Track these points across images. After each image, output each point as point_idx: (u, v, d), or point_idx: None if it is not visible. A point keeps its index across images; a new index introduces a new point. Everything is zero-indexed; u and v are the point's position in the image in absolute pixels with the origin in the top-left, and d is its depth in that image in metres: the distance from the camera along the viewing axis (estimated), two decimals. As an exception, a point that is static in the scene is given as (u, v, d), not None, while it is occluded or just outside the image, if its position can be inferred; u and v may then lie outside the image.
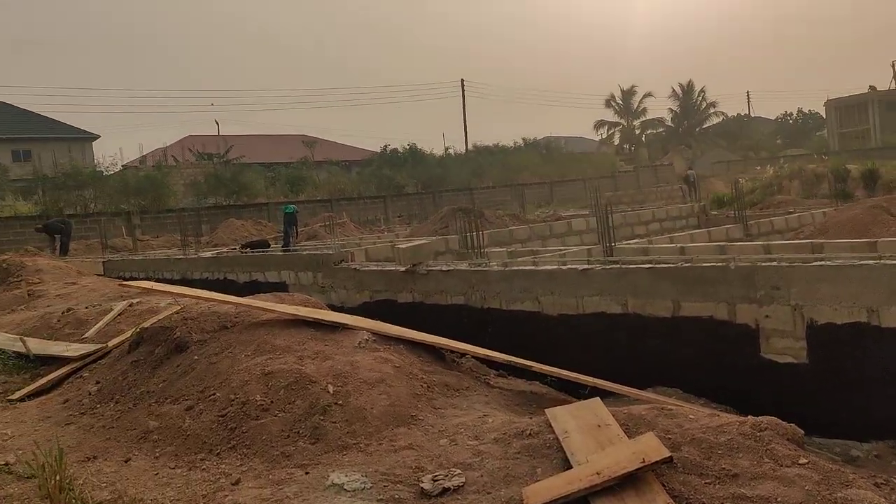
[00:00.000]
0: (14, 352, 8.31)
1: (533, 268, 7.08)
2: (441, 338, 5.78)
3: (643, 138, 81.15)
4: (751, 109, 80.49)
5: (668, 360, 5.89)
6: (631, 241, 9.59)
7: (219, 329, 6.49)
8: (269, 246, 15.35)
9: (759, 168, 31.79)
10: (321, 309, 7.12)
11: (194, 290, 7.01)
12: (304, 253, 10.71)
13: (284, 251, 14.70)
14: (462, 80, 50.78)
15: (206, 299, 6.82)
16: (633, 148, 79.58)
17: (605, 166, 55.47)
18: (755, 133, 76.12)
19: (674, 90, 76.49)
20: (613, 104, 79.10)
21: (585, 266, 6.50)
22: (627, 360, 6.16)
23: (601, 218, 9.07)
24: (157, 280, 14.50)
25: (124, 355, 6.94)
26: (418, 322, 7.74)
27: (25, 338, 8.37)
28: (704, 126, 77.01)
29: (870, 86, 70.68)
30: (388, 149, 50.17)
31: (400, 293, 8.90)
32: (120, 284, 7.34)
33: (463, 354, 5.82)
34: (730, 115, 78.46)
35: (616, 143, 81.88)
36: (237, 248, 15.51)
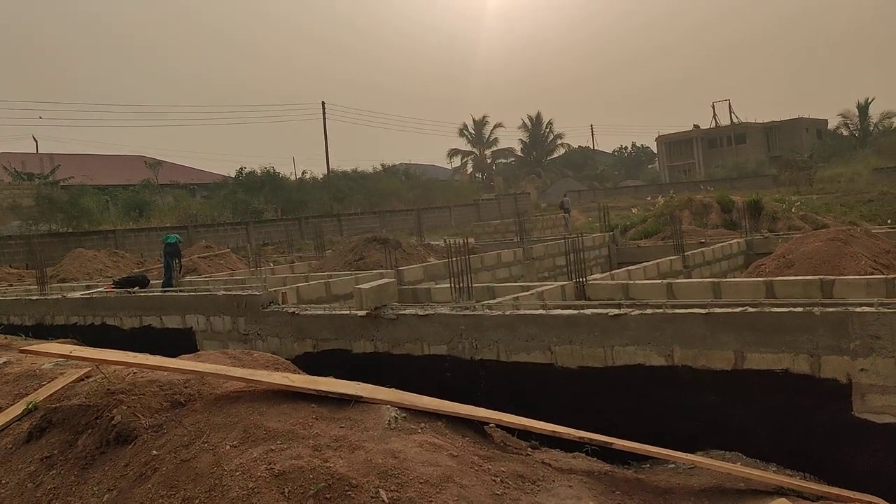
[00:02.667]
0: None
1: (544, 312, 6.17)
2: (490, 411, 4.68)
3: (494, 167, 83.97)
4: (595, 142, 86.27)
5: (725, 419, 5.22)
6: (597, 277, 9.00)
7: (170, 407, 4.90)
8: (148, 282, 13.09)
9: (649, 198, 33.49)
10: (297, 373, 5.70)
11: (127, 353, 5.30)
12: (220, 293, 8.99)
13: (164, 290, 12.61)
14: (323, 103, 49.23)
15: (146, 366, 5.15)
16: (484, 176, 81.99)
17: (467, 194, 56.29)
18: (599, 164, 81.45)
19: (523, 122, 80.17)
20: (466, 133, 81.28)
21: (617, 312, 5.71)
22: (672, 421, 5.42)
23: (567, 251, 8.39)
24: (2, 327, 11.82)
25: (20, 446, 5.07)
26: (382, 377, 6.51)
27: None
28: (552, 156, 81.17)
29: (694, 124, 78.52)
30: (243, 171, 47.13)
31: (356, 342, 7.60)
32: (22, 351, 5.37)
33: (512, 430, 4.73)
34: (574, 147, 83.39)
35: (469, 171, 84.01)
36: (105, 287, 13.09)
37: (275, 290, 8.62)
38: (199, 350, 9.24)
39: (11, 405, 6.16)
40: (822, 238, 8.91)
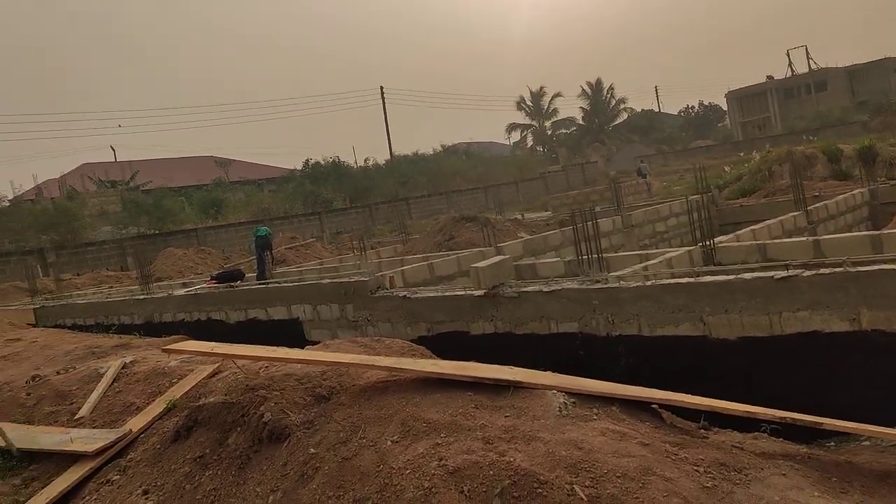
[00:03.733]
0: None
1: (693, 280, 5.66)
2: (665, 392, 4.23)
3: (555, 138, 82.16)
4: (660, 104, 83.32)
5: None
6: (723, 239, 8.34)
7: (314, 402, 4.67)
8: (243, 276, 13.17)
9: (742, 154, 31.86)
10: (433, 358, 5.41)
11: (262, 347, 5.11)
12: (325, 282, 8.82)
13: (261, 282, 12.64)
14: (382, 88, 49.09)
15: (288, 360, 4.93)
16: (545, 149, 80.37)
17: (531, 168, 55.27)
18: (665, 127, 78.66)
19: (583, 89, 77.90)
20: (524, 106, 79.65)
21: (785, 273, 5.14)
22: (860, 391, 4.84)
23: (700, 213, 7.78)
24: (115, 327, 12.10)
25: (168, 446, 4.96)
26: (503, 358, 6.16)
27: (1, 425, 6.10)
28: (615, 123, 78.79)
29: (767, 75, 74.56)
30: (309, 163, 47.68)
31: (474, 323, 7.26)
32: (165, 350, 5.26)
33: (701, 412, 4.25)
34: (638, 111, 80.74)
35: (530, 144, 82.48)
36: (206, 283, 13.24)
37: (381, 275, 8.36)
38: (307, 339, 9.16)
39: (149, 404, 6.13)
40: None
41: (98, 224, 33.16)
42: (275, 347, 5.12)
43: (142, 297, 12.22)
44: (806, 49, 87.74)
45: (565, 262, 8.89)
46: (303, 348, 5.75)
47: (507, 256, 7.22)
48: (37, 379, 7.81)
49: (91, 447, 5.26)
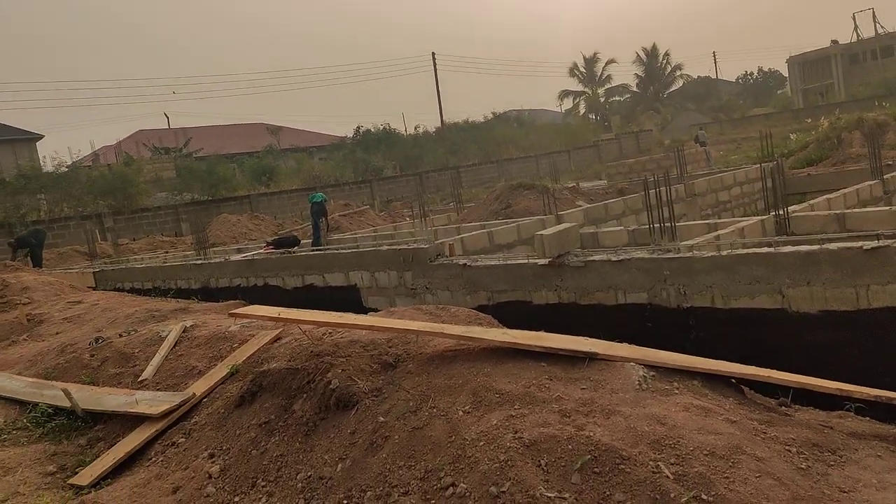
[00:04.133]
0: (49, 405, 6.23)
1: (772, 251, 5.35)
2: (748, 366, 4.00)
3: (607, 106, 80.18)
4: (718, 70, 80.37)
5: None
6: (797, 209, 7.92)
7: (381, 369, 4.59)
8: (298, 242, 13.25)
9: (809, 120, 30.55)
10: (499, 328, 5.27)
11: (329, 313, 5.05)
12: (384, 248, 8.75)
13: (315, 248, 12.68)
14: (433, 54, 48.48)
15: (356, 326, 4.86)
16: (598, 117, 78.57)
17: (584, 136, 54.17)
18: (722, 94, 76.00)
19: (638, 55, 75.64)
20: (577, 73, 77.84)
21: (875, 244, 4.80)
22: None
23: (774, 181, 7.38)
24: (173, 291, 12.34)
25: (233, 410, 4.97)
26: (566, 329, 5.97)
27: (67, 386, 6.26)
28: (671, 90, 76.46)
29: (832, 40, 70.99)
30: (360, 130, 47.71)
31: (536, 292, 7.09)
32: (231, 314, 5.27)
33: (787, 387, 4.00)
34: (694, 77, 78.11)
35: (582, 112, 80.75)
36: (263, 249, 13.37)
37: (440, 243, 8.24)
38: (365, 306, 9.14)
39: (211, 367, 6.18)
40: None
41: (153, 190, 33.96)
42: (340, 313, 5.04)
43: (199, 262, 12.42)
44: (873, 12, 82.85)
45: (629, 231, 8.61)
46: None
47: (572, 224, 6.98)
48: (100, 341, 8.00)
49: (156, 409, 5.32)
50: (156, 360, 6.74)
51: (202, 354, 6.60)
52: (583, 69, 77.18)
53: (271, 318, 4.83)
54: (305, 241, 13.62)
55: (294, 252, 10.76)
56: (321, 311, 5.23)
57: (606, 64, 75.38)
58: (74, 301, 11.24)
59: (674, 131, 60.72)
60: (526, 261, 7.13)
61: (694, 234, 8.39)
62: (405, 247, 8.42)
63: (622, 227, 8.80)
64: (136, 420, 5.46)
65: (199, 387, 5.64)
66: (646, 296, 6.21)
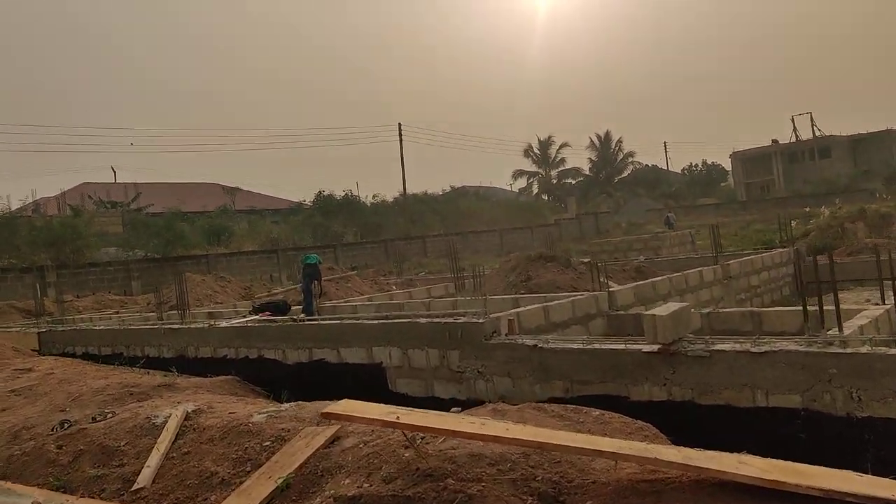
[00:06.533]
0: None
1: None
2: None
3: (560, 188, 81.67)
4: (668, 160, 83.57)
5: None
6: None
7: (541, 504, 3.17)
8: (289, 308, 11.68)
9: (807, 209, 30.97)
10: (662, 441, 3.94)
11: (467, 419, 3.62)
12: (422, 321, 7.36)
13: (307, 315, 11.14)
14: (399, 125, 48.26)
15: (470, 435, 3.44)
16: (550, 198, 79.81)
17: (543, 215, 54.44)
18: (673, 182, 78.64)
19: (592, 140, 78.01)
20: (531, 154, 79.51)
21: None
22: None
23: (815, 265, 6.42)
24: (139, 359, 10.51)
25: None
26: (677, 435, 4.73)
27: (38, 499, 4.51)
28: (622, 175, 78.71)
29: (772, 139, 74.84)
30: (322, 195, 46.47)
31: (636, 386, 5.81)
32: (326, 415, 3.73)
33: None
34: (645, 165, 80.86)
35: (535, 192, 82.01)
36: (249, 312, 11.70)
37: (497, 317, 6.92)
38: (392, 390, 7.63)
39: (237, 476, 4.58)
40: None
41: (98, 244, 31.54)
42: (482, 420, 3.61)
43: (175, 326, 10.65)
44: (811, 116, 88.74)
45: (703, 315, 7.51)
46: (384, 401, 4.29)
47: (686, 304, 5.81)
48: (66, 426, 6.23)
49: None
50: (154, 461, 5.07)
51: (220, 455, 4.98)
52: (537, 150, 78.87)
53: (384, 422, 3.36)
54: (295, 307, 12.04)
55: (300, 320, 9.18)
56: (453, 416, 3.79)
57: (560, 147, 77.31)
58: (22, 368, 9.29)
59: (627, 215, 61.80)
60: (624, 346, 5.87)
61: (794, 321, 7.35)
62: (451, 320, 7.05)
63: (695, 311, 7.69)
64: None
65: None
66: (799, 399, 5.01)
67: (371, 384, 7.66)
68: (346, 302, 12.94)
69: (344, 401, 3.69)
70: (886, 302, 6.62)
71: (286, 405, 5.90)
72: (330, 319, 8.55)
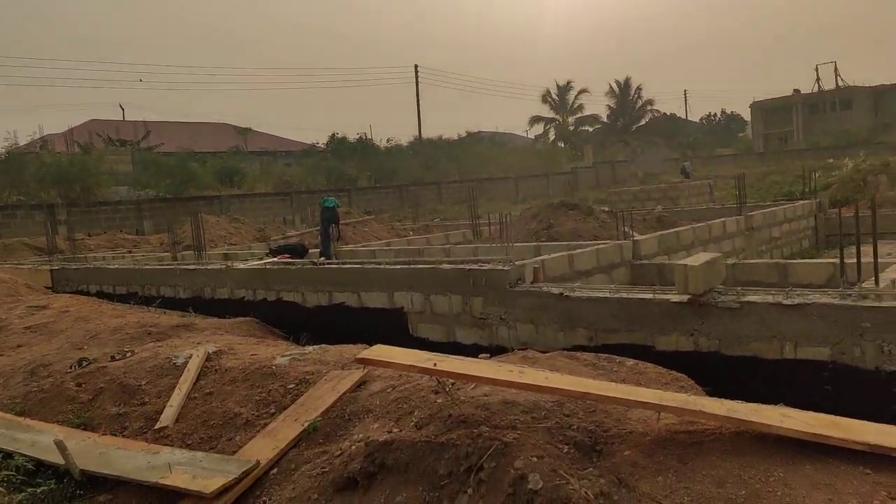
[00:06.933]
0: (28, 457, 4.49)
1: None
2: None
3: (576, 135, 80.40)
4: (687, 109, 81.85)
5: None
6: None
7: (581, 455, 3.12)
8: (306, 251, 11.62)
9: (830, 160, 30.23)
10: (697, 391, 3.84)
11: (502, 366, 3.53)
12: (446, 267, 7.24)
13: (325, 259, 11.06)
14: (416, 66, 47.28)
15: (496, 381, 3.36)
16: (567, 145, 78.67)
17: (559, 162, 53.74)
18: (691, 132, 77.24)
19: (611, 87, 76.22)
20: (549, 99, 77.87)
21: None
22: None
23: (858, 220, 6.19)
24: (154, 299, 10.51)
25: (331, 497, 3.37)
26: (704, 386, 4.65)
27: (55, 430, 4.53)
28: (639, 124, 77.24)
29: (794, 89, 72.93)
30: (335, 138, 45.91)
31: (663, 336, 5.71)
32: (361, 360, 3.63)
33: None
34: (664, 114, 79.26)
35: (551, 139, 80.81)
36: (266, 254, 11.65)
37: (522, 265, 6.79)
38: (413, 335, 7.59)
39: (260, 416, 4.55)
40: None
41: (109, 183, 31.48)
42: (516, 367, 3.52)
43: (191, 266, 10.61)
44: (835, 65, 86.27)
45: (728, 266, 7.34)
46: (405, 345, 4.19)
47: (717, 255, 5.64)
48: (84, 364, 6.23)
49: (206, 486, 3.67)
50: (176, 400, 5.06)
51: (243, 396, 4.96)
52: (555, 96, 77.26)
53: (422, 368, 3.27)
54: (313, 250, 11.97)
55: (321, 263, 9.09)
56: (488, 363, 3.70)
57: (579, 93, 75.62)
58: (37, 306, 9.30)
59: (644, 164, 60.92)
60: (652, 296, 5.73)
61: (819, 274, 7.20)
62: (475, 267, 6.93)
63: (728, 259, 7.52)
64: (169, 497, 3.79)
65: (259, 449, 4.01)
66: (828, 352, 4.90)
67: (392, 329, 7.62)
68: (363, 247, 12.83)
69: (377, 346, 3.59)
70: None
71: (310, 348, 5.86)
72: (350, 263, 8.44)
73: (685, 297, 5.44)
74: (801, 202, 13.06)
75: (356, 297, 8.05)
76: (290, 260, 9.89)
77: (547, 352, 5.56)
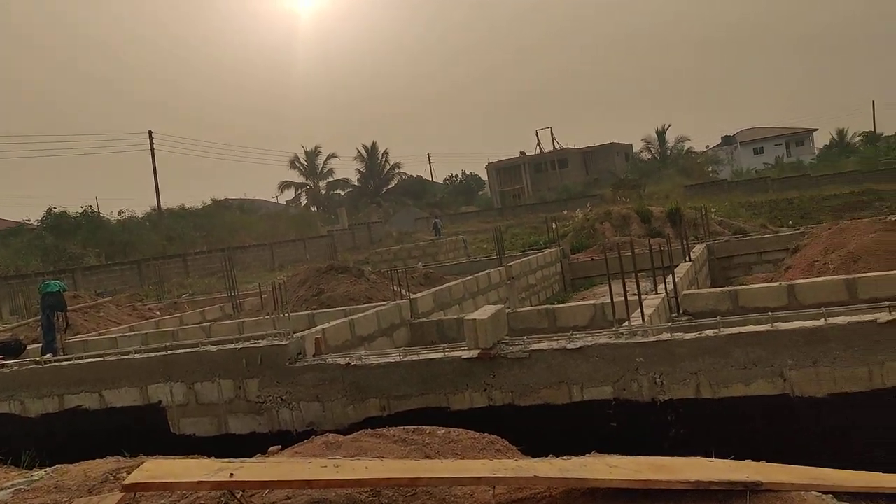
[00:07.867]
0: None
1: (770, 328, 4.72)
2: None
3: (329, 199, 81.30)
4: (432, 170, 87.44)
5: None
6: (696, 292, 7.69)
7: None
8: (23, 348, 9.63)
9: (566, 212, 33.05)
10: (515, 453, 3.68)
11: (319, 463, 2.97)
12: (212, 348, 6.38)
13: (52, 355, 9.36)
14: (150, 132, 44.01)
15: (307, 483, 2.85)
16: (320, 209, 79.06)
17: (314, 226, 53.54)
18: (437, 192, 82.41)
19: (359, 151, 78.91)
20: (298, 164, 78.08)
21: (890, 317, 4.42)
22: None
23: (657, 266, 7.06)
24: None
25: None
26: (507, 439, 4.71)
27: None
28: (390, 186, 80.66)
29: (521, 151, 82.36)
30: (52, 213, 40.46)
31: (456, 395, 5.58)
32: (128, 488, 2.74)
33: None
34: (410, 176, 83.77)
35: (304, 203, 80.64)
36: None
37: (302, 337, 6.27)
38: (174, 433, 6.53)
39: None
40: (873, 229, 8.43)
41: None
42: (335, 461, 2.99)
43: None
44: (551, 130, 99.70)
45: (538, 311, 7.62)
46: (166, 446, 3.56)
47: (501, 307, 5.69)
48: None
49: None
50: None
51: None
52: (304, 161, 77.60)
53: (216, 483, 2.60)
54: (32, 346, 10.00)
55: (44, 361, 7.47)
56: (286, 461, 3.09)
57: (328, 158, 76.99)
58: None
59: (397, 224, 63.43)
60: (443, 355, 5.59)
61: (583, 315, 7.73)
62: (248, 345, 6.23)
63: (521, 308, 7.75)
64: None
65: None
66: (611, 390, 5.15)
67: (148, 429, 6.51)
68: (101, 335, 11.04)
69: (148, 463, 2.82)
70: (659, 291, 7.24)
71: (40, 472, 4.64)
72: (87, 358, 7.10)
73: (475, 353, 5.39)
74: (549, 250, 14.35)
75: (97, 398, 6.77)
76: (2, 362, 8.05)
77: (337, 430, 5.12)
